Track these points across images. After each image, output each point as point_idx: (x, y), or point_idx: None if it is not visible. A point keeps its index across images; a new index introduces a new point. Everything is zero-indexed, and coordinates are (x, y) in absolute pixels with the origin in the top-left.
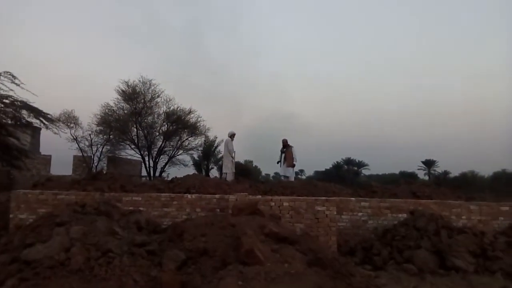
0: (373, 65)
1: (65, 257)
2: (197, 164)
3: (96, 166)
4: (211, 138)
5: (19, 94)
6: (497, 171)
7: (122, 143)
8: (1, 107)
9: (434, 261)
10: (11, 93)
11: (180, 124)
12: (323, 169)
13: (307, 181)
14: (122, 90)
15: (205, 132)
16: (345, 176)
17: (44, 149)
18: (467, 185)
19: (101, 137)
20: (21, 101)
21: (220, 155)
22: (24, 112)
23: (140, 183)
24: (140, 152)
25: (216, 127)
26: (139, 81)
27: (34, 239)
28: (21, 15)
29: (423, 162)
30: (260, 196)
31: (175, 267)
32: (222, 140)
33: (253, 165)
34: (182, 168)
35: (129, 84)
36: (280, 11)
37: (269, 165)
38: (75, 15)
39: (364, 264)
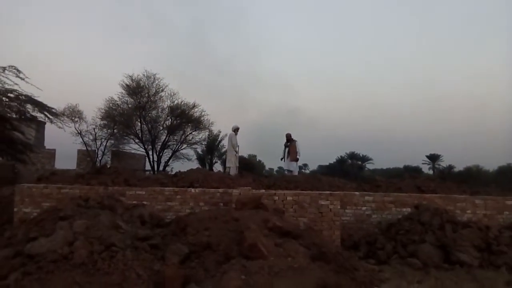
0: (377, 62)
1: (69, 251)
2: (200, 159)
3: (100, 160)
4: (215, 132)
5: (24, 88)
6: (502, 166)
7: (126, 137)
8: (6, 101)
9: (438, 256)
10: (15, 87)
11: (184, 118)
12: (327, 164)
13: (311, 175)
14: (127, 84)
15: (209, 126)
16: (349, 171)
17: (48, 143)
18: (472, 180)
19: (105, 131)
20: (26, 95)
21: (223, 150)
22: (28, 106)
23: (143, 177)
24: (144, 146)
25: (220, 121)
26: (143, 75)
27: (37, 233)
28: (23, 11)
29: (427, 157)
30: (263, 190)
31: (178, 261)
32: (226, 135)
33: (257, 160)
34: (186, 162)
35: (133, 78)
36: (283, 8)
37: (272, 160)
38: (80, 12)
39: (368, 258)
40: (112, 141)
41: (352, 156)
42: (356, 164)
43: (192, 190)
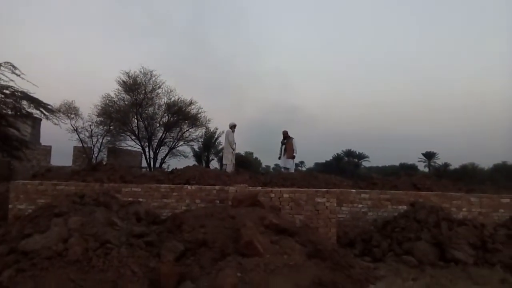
0: (375, 61)
1: (63, 247)
2: (197, 156)
3: (96, 157)
4: (212, 129)
5: (20, 84)
6: (497, 164)
7: (123, 134)
8: (1, 97)
9: (434, 253)
10: (11, 84)
11: (181, 115)
12: (324, 161)
13: (307, 173)
14: (123, 81)
15: (205, 123)
16: (345, 168)
17: (44, 140)
18: (467, 177)
19: (102, 128)
20: (22, 92)
21: (220, 147)
22: (24, 102)
23: (140, 174)
24: (140, 143)
25: (217, 118)
26: (140, 72)
27: (32, 230)
28: (23, 10)
29: (423, 154)
30: (260, 188)
31: (174, 258)
32: (223, 132)
33: (254, 157)
34: (183, 159)
35: (130, 75)
36: (283, 7)
37: (269, 157)
38: (78, 10)
39: (364, 256)
40: (108, 138)
41: (349, 153)
42: (353, 161)
43: (189, 187)
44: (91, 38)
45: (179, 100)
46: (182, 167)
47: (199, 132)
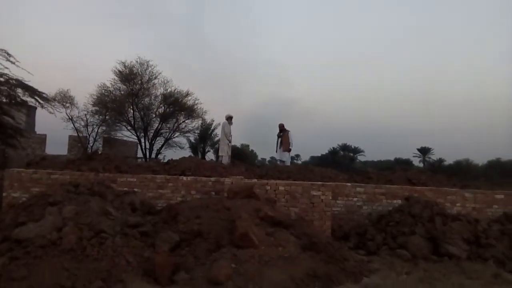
0: (372, 56)
1: (57, 236)
2: (193, 147)
3: (92, 146)
4: (208, 121)
5: (14, 72)
6: (492, 160)
7: (118, 124)
8: None
9: (427, 248)
10: (6, 71)
11: (177, 106)
12: (319, 155)
13: (303, 166)
14: (119, 71)
15: (202, 115)
16: (340, 162)
17: (39, 129)
18: (461, 173)
19: (97, 118)
20: (16, 80)
21: (216, 138)
22: (19, 90)
23: (135, 164)
24: (136, 133)
25: (213, 110)
26: (136, 61)
27: (26, 218)
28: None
29: (418, 150)
30: (255, 180)
31: (169, 248)
32: (219, 124)
33: (250, 149)
34: (178, 150)
35: (126, 64)
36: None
37: (265, 150)
38: None
39: (358, 249)
40: (104, 128)
41: (344, 147)
42: (348, 155)
43: (184, 178)
44: (86, 27)
45: (176, 91)
46: (178, 158)
47: (195, 123)
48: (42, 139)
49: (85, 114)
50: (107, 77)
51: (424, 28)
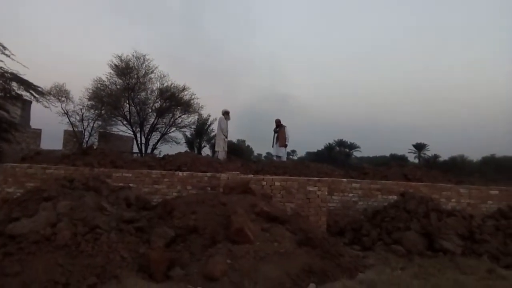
0: (368, 52)
1: (51, 232)
2: (189, 142)
3: (87, 141)
4: (205, 116)
5: (9, 65)
6: (486, 156)
7: (114, 119)
8: None
9: (422, 243)
10: (1, 64)
11: (174, 101)
12: (315, 150)
13: (299, 162)
14: (115, 65)
15: (198, 110)
16: (336, 158)
17: (34, 123)
18: (456, 169)
19: (93, 112)
20: (11, 73)
21: (213, 134)
22: (14, 84)
23: (131, 159)
24: (132, 128)
25: (210, 105)
26: (133, 55)
27: (20, 213)
28: None
29: (414, 146)
30: (251, 175)
31: (164, 244)
32: (215, 119)
33: (246, 145)
34: (174, 145)
35: (122, 58)
36: None
37: (261, 145)
38: None
39: (353, 244)
40: (100, 122)
41: (340, 143)
42: (344, 151)
43: (180, 173)
44: (83, 20)
45: (172, 85)
46: (173, 154)
47: (192, 118)
48: (37, 133)
49: (81, 109)
50: (103, 71)
51: (424, 28)
